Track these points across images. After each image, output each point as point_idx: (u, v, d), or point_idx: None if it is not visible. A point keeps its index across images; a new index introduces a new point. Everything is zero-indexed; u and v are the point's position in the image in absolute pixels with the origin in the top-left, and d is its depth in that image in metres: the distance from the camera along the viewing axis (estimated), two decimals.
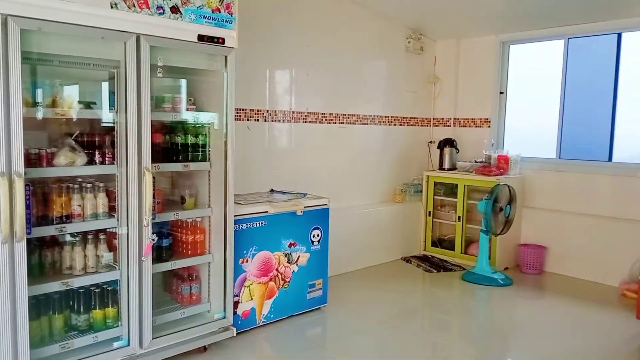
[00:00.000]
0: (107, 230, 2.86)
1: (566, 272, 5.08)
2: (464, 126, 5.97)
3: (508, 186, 4.87)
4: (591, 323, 3.94)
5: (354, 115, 5.21)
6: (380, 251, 5.41)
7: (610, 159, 4.97)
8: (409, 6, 5.16)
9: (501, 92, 5.71)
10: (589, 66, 5.19)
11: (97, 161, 2.78)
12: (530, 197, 5.44)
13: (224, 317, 3.27)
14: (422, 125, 6.04)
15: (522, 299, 4.55)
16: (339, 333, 3.69)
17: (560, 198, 5.22)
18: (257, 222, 3.51)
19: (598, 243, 4.83)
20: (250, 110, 4.32)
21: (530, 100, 5.62)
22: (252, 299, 3.53)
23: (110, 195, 2.86)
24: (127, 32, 2.66)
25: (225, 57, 3.09)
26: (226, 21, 3.04)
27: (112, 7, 2.58)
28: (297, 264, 3.79)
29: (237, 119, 4.18)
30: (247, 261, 3.47)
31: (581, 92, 5.20)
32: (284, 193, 4.05)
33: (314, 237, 3.87)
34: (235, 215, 3.30)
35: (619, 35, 4.88)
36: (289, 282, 3.74)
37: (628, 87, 4.86)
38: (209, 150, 3.24)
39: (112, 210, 2.85)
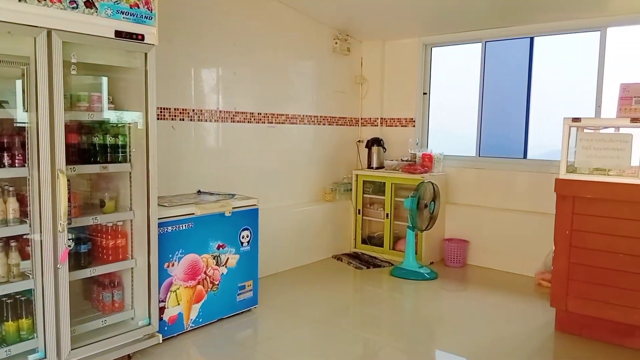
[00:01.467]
0: (20, 237, 2.68)
1: (487, 264, 5.34)
2: (390, 126, 6.12)
3: (432, 183, 5.05)
4: (510, 311, 4.16)
5: (283, 114, 5.20)
6: (312, 250, 5.44)
7: (525, 156, 5.28)
8: (334, 8, 5.23)
9: (425, 93, 5.91)
10: (505, 69, 5.48)
11: (6, 164, 2.60)
12: (453, 193, 5.67)
13: (149, 324, 3.16)
14: (350, 125, 6.13)
15: (447, 291, 4.73)
16: (270, 334, 3.67)
17: (480, 194, 5.49)
18: (183, 225, 3.41)
19: (515, 236, 5.11)
20: (175, 109, 4.20)
21: (452, 101, 5.85)
22: (179, 304, 3.43)
23: (22, 200, 2.68)
24: (37, 26, 2.51)
25: (145, 54, 2.98)
26: (146, 17, 2.94)
27: (20, 0, 2.42)
28: (226, 266, 3.72)
29: (161, 119, 4.05)
30: (173, 265, 3.36)
31: (498, 93, 5.48)
32: (211, 194, 3.97)
33: (243, 238, 3.83)
34: (159, 218, 3.19)
35: (532, 39, 5.19)
36: (217, 284, 3.67)
37: (540, 89, 5.18)
38: (130, 151, 3.11)
39: (24, 215, 2.67)
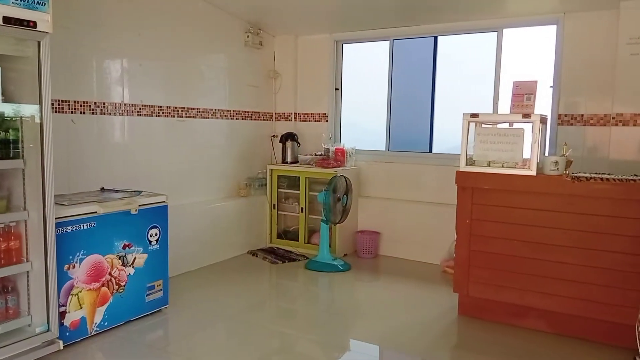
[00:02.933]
0: None
1: (398, 254, 5.54)
2: (304, 121, 6.17)
3: (345, 177, 5.15)
4: (419, 298, 4.35)
5: (194, 109, 5.07)
6: (226, 247, 5.37)
7: (431, 150, 5.53)
8: (245, 1, 5.17)
9: (337, 89, 6.01)
10: (411, 66, 5.70)
11: None
12: (365, 186, 5.83)
13: (48, 330, 2.97)
14: (264, 120, 6.10)
15: (360, 282, 4.86)
16: (182, 333, 3.57)
17: (391, 187, 5.68)
18: (85, 224, 3.23)
19: (423, 226, 5.35)
20: (75, 102, 3.96)
21: (363, 97, 6.00)
22: (81, 308, 3.25)
23: None
24: None
25: (39, 42, 2.78)
26: (38, 3, 2.74)
27: None
28: (133, 266, 3.58)
29: (59, 112, 3.80)
30: (73, 267, 3.18)
31: (406, 89, 5.69)
32: (116, 191, 3.78)
33: (151, 236, 3.69)
34: (57, 218, 3.00)
35: (436, 38, 5.44)
36: (124, 286, 3.52)
37: (443, 86, 5.45)
38: (23, 147, 2.89)
39: None
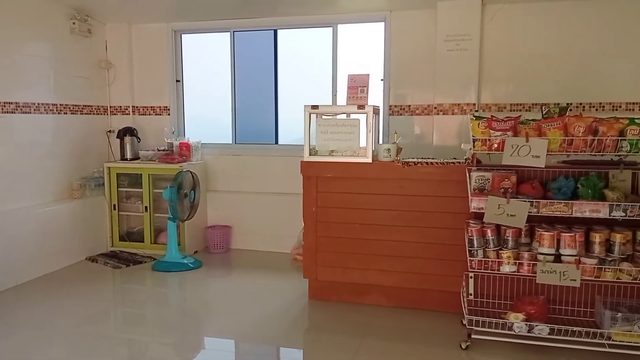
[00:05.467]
0: None
1: (250, 246, 5.56)
2: (143, 114, 5.85)
3: (191, 172, 5.01)
4: (272, 288, 4.42)
5: (12, 103, 4.50)
6: (61, 254, 4.88)
7: (277, 141, 5.63)
8: None
9: (178, 81, 5.79)
10: (253, 58, 5.71)
11: None
12: (213, 181, 5.73)
13: None
14: (98, 114, 5.65)
15: (213, 278, 4.78)
16: (11, 357, 3.17)
17: (239, 180, 5.66)
18: None
19: (274, 217, 5.43)
20: None
21: (207, 89, 5.87)
22: None
23: None
24: None
25: None
26: None
27: None
28: None
29: None
30: None
31: (249, 81, 5.70)
32: None
33: None
34: None
35: (275, 31, 5.53)
36: None
37: (286, 78, 5.56)
38: None
39: None
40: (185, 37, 5.80)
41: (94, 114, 5.58)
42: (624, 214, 2.92)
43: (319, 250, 3.99)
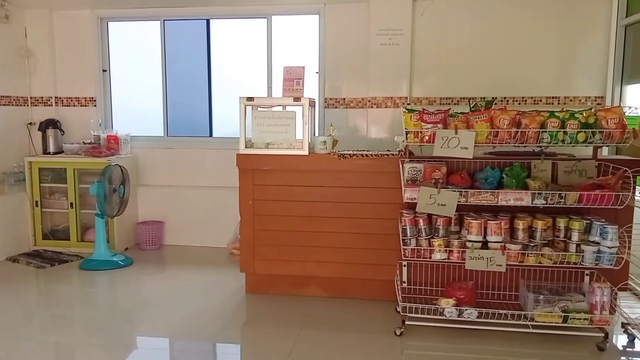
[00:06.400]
0: None
1: (184, 242, 5.43)
2: (68, 105, 5.55)
3: (120, 166, 4.81)
4: (207, 284, 4.34)
5: None
6: None
7: (211, 134, 5.52)
8: None
9: (104, 70, 5.53)
10: (185, 48, 5.56)
11: None
12: (143, 175, 5.54)
13: None
14: (17, 105, 5.30)
15: (145, 275, 4.63)
16: None
17: (172, 174, 5.51)
18: None
19: (209, 211, 5.33)
20: None
21: (136, 79, 5.64)
22: None
23: None
24: None
25: None
26: None
27: None
28: None
29: None
30: None
31: (181, 72, 5.54)
32: None
33: None
34: None
35: (208, 21, 5.40)
36: None
37: (219, 70, 5.46)
38: None
39: None
40: (112, 25, 5.54)
41: (12, 105, 5.23)
42: (544, 202, 3.10)
43: (257, 244, 3.96)
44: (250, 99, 3.86)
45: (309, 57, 5.16)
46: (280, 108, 3.99)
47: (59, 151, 5.26)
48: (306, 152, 3.81)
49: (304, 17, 5.22)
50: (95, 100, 5.51)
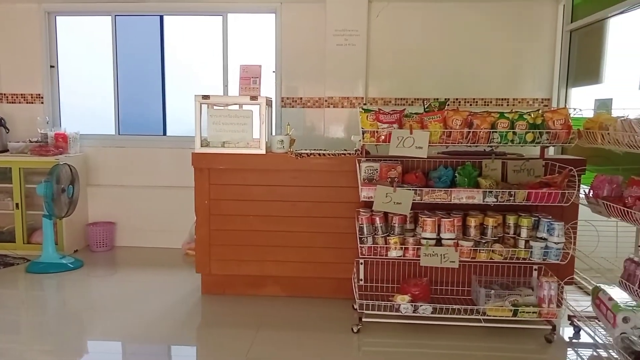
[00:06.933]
0: None
1: (137, 243, 5.29)
2: (13, 102, 5.32)
3: (69, 165, 4.64)
4: (161, 285, 4.25)
5: None
6: None
7: (165, 133, 5.40)
8: None
9: (52, 66, 5.33)
10: (138, 45, 5.42)
11: None
12: (94, 174, 5.37)
13: None
14: None
15: (96, 278, 4.49)
16: None
17: (124, 173, 5.36)
18: None
19: (163, 212, 5.22)
20: None
21: (87, 76, 5.46)
22: None
23: None
24: None
25: None
26: None
27: None
28: None
29: None
30: None
31: (134, 69, 5.40)
32: None
33: None
34: None
35: (162, 17, 5.28)
36: None
37: (174, 67, 5.35)
38: None
39: None
40: (61, 20, 5.34)
41: None
42: (495, 200, 3.20)
43: (213, 244, 3.91)
44: (205, 97, 3.81)
45: (265, 56, 5.14)
46: (236, 107, 3.96)
47: (4, 150, 5.04)
48: (263, 151, 3.79)
49: (261, 16, 5.19)
50: (42, 97, 5.29)
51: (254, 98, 3.82)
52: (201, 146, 3.83)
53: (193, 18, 5.31)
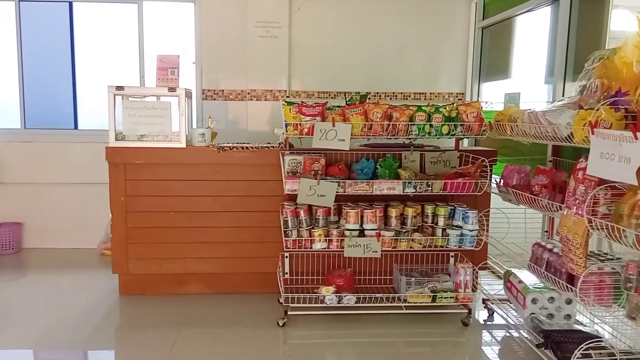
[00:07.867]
0: None
1: (47, 244, 4.97)
2: None
3: None
4: (75, 288, 4.01)
5: None
6: None
7: (76, 126, 5.10)
8: None
9: None
10: (45, 33, 5.06)
11: None
12: None
13: None
14: None
15: (2, 283, 4.16)
16: None
17: (32, 170, 5.01)
18: None
19: (75, 210, 4.93)
20: None
21: None
22: None
23: None
24: None
25: None
26: None
27: None
28: None
29: None
30: None
31: (41, 59, 5.04)
32: None
33: None
34: None
35: (71, 4, 4.97)
36: None
37: (85, 57, 5.06)
38: None
39: None
40: None
41: None
42: (414, 190, 3.30)
43: (130, 242, 3.74)
44: (120, 87, 3.62)
45: (185, 46, 4.98)
46: (154, 98, 3.80)
47: None
48: (183, 145, 3.67)
49: (178, 5, 5.02)
50: None
51: (172, 89, 3.69)
52: (116, 140, 3.64)
53: (105, 5, 5.03)
